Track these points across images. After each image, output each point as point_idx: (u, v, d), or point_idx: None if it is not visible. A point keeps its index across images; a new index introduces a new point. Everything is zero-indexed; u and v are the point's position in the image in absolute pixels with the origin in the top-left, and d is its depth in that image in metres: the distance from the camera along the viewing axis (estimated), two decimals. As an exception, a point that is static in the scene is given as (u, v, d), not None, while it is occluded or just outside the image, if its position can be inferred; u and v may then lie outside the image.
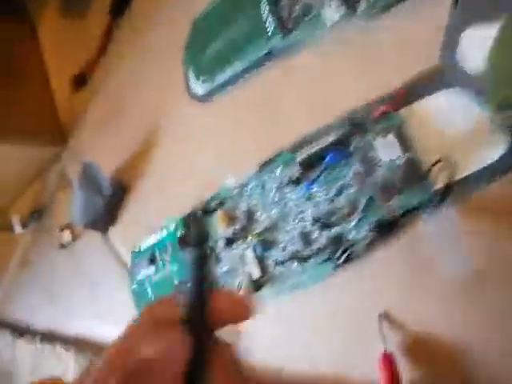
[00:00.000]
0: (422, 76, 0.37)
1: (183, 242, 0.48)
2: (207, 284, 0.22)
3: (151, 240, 0.52)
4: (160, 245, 0.51)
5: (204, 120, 0.52)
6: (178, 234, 0.49)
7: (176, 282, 0.49)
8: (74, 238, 0.65)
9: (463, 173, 0.36)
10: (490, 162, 0.35)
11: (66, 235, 0.66)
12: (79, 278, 0.64)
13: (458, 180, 0.36)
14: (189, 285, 0.22)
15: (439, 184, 0.36)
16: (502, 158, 0.35)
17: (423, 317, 0.36)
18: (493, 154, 0.35)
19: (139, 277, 0.53)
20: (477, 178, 0.36)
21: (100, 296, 0.61)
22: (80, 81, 0.69)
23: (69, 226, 0.66)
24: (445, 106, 0.37)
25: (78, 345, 0.63)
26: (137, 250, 0.54)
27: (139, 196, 0.57)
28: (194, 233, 0.30)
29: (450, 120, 0.36)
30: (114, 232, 0.60)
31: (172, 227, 0.50)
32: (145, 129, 0.57)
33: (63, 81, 0.72)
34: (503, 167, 0.35)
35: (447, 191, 0.36)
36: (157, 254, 0.51)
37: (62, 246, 0.66)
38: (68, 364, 0.60)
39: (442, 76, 0.36)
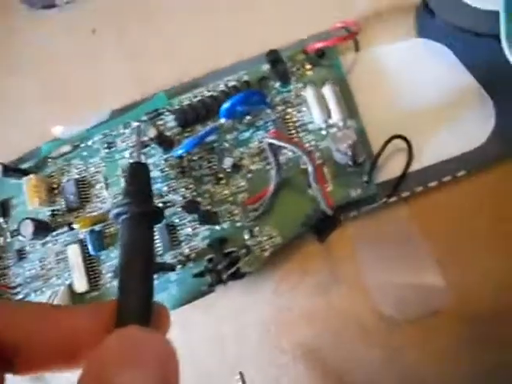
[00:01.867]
0: (391, 8, 0.25)
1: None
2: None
3: None
4: None
5: (37, 34, 0.33)
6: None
7: None
8: None
9: (424, 161, 0.24)
10: (463, 151, 0.24)
11: None
12: None
13: (416, 170, 0.24)
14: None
15: (389, 173, 0.24)
16: (481, 147, 0.23)
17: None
18: (470, 140, 0.23)
19: None
20: (440, 171, 0.24)
21: None
22: None
23: None
24: (414, 61, 0.25)
25: None
26: None
27: None
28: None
29: (420, 82, 0.24)
30: None
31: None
32: None
33: None
34: (480, 160, 0.24)
35: (399, 184, 0.23)
36: None
37: None
38: None
39: (421, 13, 0.24)
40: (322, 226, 0.20)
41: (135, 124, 0.27)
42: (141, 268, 0.16)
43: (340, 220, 0.21)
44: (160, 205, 0.26)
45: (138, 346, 0.13)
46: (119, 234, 0.18)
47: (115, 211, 0.19)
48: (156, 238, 0.25)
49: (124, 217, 0.18)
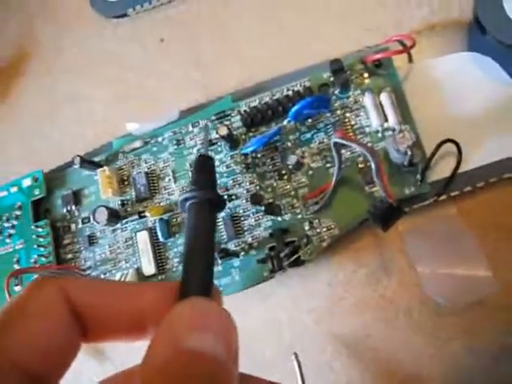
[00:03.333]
0: (443, 23, 0.27)
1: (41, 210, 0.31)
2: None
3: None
4: (1, 208, 0.33)
5: (110, 42, 0.36)
6: (35, 194, 0.32)
7: (16, 266, 0.32)
8: None
9: (472, 164, 0.26)
10: (509, 155, 0.26)
11: None
12: None
13: (464, 172, 0.26)
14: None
15: (439, 173, 0.26)
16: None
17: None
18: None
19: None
20: (487, 172, 0.26)
21: None
22: None
23: None
24: (464, 72, 0.27)
25: None
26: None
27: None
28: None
29: (470, 92, 0.26)
30: None
31: (26, 184, 0.33)
32: (17, 46, 0.39)
33: None
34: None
35: (449, 183, 0.25)
36: (-6, 220, 0.33)
37: None
38: None
39: (471, 25, 0.27)
40: (387, 216, 0.22)
41: (204, 122, 0.29)
42: (204, 248, 0.18)
43: (405, 211, 0.23)
44: (225, 197, 0.28)
45: (205, 314, 0.14)
46: (186, 218, 0.20)
47: (183, 196, 0.21)
48: (221, 227, 0.28)
49: (191, 202, 0.20)
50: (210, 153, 0.29)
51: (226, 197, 0.28)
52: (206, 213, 0.20)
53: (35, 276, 0.31)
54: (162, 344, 0.13)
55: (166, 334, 0.13)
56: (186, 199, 0.20)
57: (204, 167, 0.23)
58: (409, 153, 0.23)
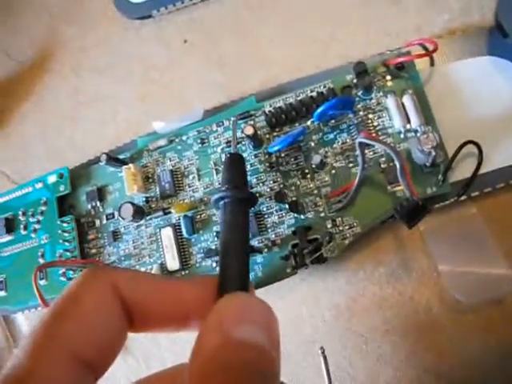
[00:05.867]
0: (464, 27, 0.28)
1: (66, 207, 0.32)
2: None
3: (12, 195, 0.35)
4: (26, 203, 0.34)
5: (134, 43, 0.37)
6: (61, 190, 0.33)
7: (41, 260, 0.32)
8: None
9: (492, 165, 0.27)
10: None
11: None
12: None
13: (485, 173, 0.27)
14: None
15: (461, 174, 0.27)
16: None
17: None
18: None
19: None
20: (507, 174, 0.27)
21: None
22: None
23: None
24: (484, 75, 0.28)
25: None
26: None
27: (14, 128, 0.39)
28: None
29: (490, 95, 0.27)
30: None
31: (52, 180, 0.34)
32: (41, 46, 0.39)
33: None
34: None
35: (470, 184, 0.26)
36: (19, 215, 0.34)
37: None
38: None
39: (492, 30, 0.27)
40: (413, 213, 0.23)
41: (230, 121, 0.30)
42: (240, 245, 0.19)
43: (430, 209, 0.24)
44: (249, 194, 0.29)
45: (250, 307, 0.15)
46: (220, 216, 0.21)
47: (217, 195, 0.21)
48: (245, 224, 0.28)
49: (226, 201, 0.21)
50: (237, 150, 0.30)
51: (250, 194, 0.29)
52: (240, 211, 0.20)
53: (78, 269, 0.31)
54: (211, 335, 0.14)
55: (215, 326, 0.14)
56: (220, 198, 0.21)
57: (235, 165, 0.24)
58: (433, 153, 0.24)
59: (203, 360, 0.13)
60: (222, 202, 0.21)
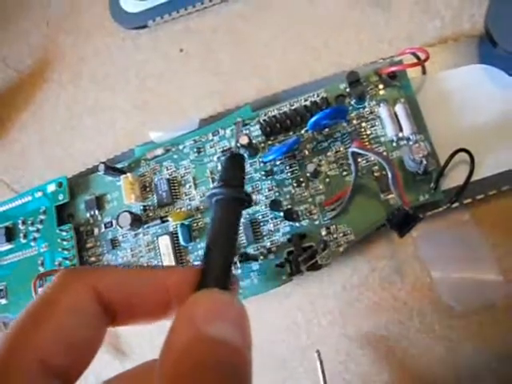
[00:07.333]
0: (455, 36, 0.29)
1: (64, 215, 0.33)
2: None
3: (11, 204, 0.35)
4: (26, 212, 0.35)
5: (130, 52, 0.37)
6: (60, 199, 0.33)
7: (41, 269, 0.33)
8: None
9: (484, 172, 0.27)
10: (520, 163, 0.27)
11: None
12: None
13: (477, 180, 0.27)
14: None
15: (453, 181, 0.27)
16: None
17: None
18: (527, 153, 0.27)
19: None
20: (498, 181, 0.27)
21: None
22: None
23: None
24: (475, 84, 0.28)
25: None
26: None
27: (14, 137, 0.39)
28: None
29: (481, 103, 0.28)
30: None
31: (51, 189, 0.34)
32: (39, 56, 0.40)
33: None
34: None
35: (462, 191, 0.26)
36: (19, 224, 0.35)
37: None
38: None
39: (483, 38, 0.28)
40: (403, 223, 0.24)
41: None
42: (226, 242, 0.18)
43: (420, 218, 0.24)
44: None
45: (223, 305, 0.15)
46: (212, 212, 0.20)
47: (211, 192, 0.21)
48: (241, 232, 0.29)
49: (219, 197, 0.20)
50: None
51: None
52: (231, 209, 0.20)
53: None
54: (182, 331, 0.14)
55: (186, 322, 0.14)
56: (213, 194, 0.21)
57: (234, 164, 0.23)
58: (424, 162, 0.24)
59: (174, 356, 0.13)
60: (214, 199, 0.21)
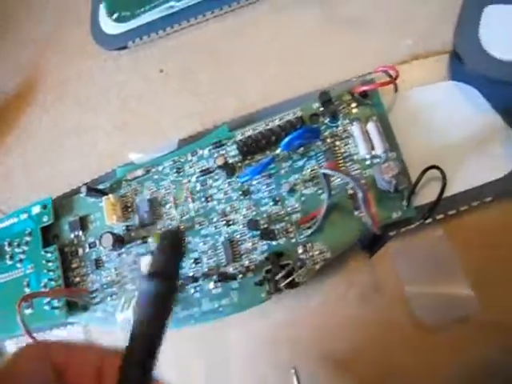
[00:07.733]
0: (426, 53, 0.29)
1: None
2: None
3: None
4: (12, 234, 0.35)
5: (111, 73, 0.38)
6: (44, 221, 0.34)
7: (27, 290, 0.33)
8: None
9: (455, 188, 0.27)
10: (491, 179, 0.27)
11: None
12: None
13: (449, 196, 0.27)
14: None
15: (425, 198, 0.27)
16: (506, 177, 0.27)
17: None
18: (498, 170, 0.27)
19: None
20: (470, 197, 0.27)
21: None
22: None
23: None
24: (446, 100, 0.28)
25: None
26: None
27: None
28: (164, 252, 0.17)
29: (452, 119, 0.28)
30: None
31: (36, 211, 0.35)
32: (24, 77, 0.41)
33: None
34: (504, 188, 0.27)
35: (434, 207, 0.27)
36: (5, 246, 0.35)
37: None
38: None
39: (452, 56, 0.28)
40: (372, 243, 0.24)
41: (202, 151, 0.31)
42: (151, 339, 0.16)
43: (389, 237, 0.24)
44: (224, 222, 0.30)
45: None
46: (137, 300, 0.16)
47: (141, 285, 0.16)
48: (220, 251, 0.29)
49: (148, 292, 0.16)
50: (208, 180, 0.30)
51: (224, 222, 0.30)
52: (161, 307, 0.17)
53: (46, 299, 0.32)
54: None
55: None
56: (144, 284, 0.16)
57: (170, 247, 0.17)
58: (393, 182, 0.25)
59: None
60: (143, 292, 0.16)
